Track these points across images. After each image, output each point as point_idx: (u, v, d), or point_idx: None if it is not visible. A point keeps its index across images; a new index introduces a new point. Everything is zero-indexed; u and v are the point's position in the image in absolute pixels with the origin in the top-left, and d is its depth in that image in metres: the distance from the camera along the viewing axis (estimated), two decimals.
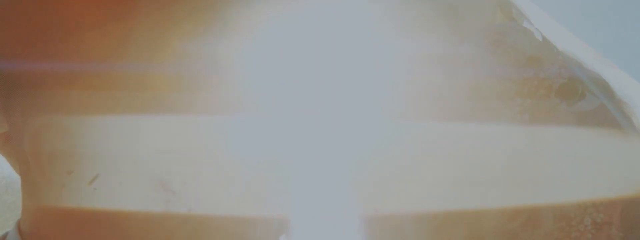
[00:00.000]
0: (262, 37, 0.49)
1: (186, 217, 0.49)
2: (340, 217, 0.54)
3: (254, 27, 0.49)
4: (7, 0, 0.49)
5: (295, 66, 0.50)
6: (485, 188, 0.54)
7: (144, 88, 0.48)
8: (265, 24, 0.49)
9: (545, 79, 0.55)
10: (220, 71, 0.48)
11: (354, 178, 0.54)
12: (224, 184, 0.49)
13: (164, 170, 0.48)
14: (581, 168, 0.55)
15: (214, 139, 0.49)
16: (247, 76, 0.49)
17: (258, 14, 0.49)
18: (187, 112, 0.48)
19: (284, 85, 0.50)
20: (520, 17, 0.58)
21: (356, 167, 0.53)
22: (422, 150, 0.54)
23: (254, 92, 0.49)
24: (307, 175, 0.52)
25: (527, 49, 0.56)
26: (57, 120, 0.49)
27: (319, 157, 0.52)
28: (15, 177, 0.55)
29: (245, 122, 0.49)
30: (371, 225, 0.54)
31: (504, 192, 0.54)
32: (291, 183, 0.51)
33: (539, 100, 0.55)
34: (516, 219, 0.54)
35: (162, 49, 0.48)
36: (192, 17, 0.48)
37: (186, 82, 0.48)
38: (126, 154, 0.48)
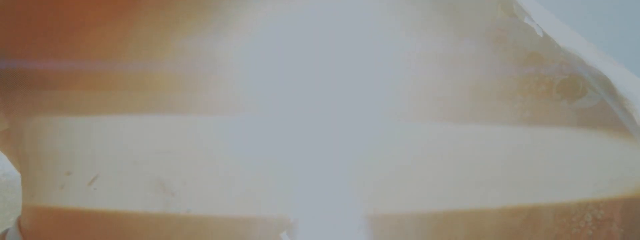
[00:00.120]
0: (263, 36, 0.49)
1: (185, 218, 0.49)
2: (340, 217, 0.54)
3: (255, 25, 0.49)
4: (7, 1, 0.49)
5: (295, 65, 0.50)
6: (486, 186, 0.54)
7: (143, 88, 0.48)
8: (266, 23, 0.49)
9: (546, 75, 0.55)
10: (220, 70, 0.48)
11: (355, 178, 0.54)
12: (223, 185, 0.49)
13: (163, 171, 0.48)
14: (582, 165, 0.55)
15: (214, 139, 0.49)
16: (247, 75, 0.49)
17: (258, 13, 0.49)
18: (187, 112, 0.48)
19: (284, 84, 0.50)
20: (521, 13, 0.58)
21: (357, 166, 0.53)
22: (423, 149, 0.54)
23: (254, 92, 0.49)
24: (307, 175, 0.52)
25: (528, 46, 0.56)
26: (57, 120, 0.49)
27: (319, 157, 0.52)
28: (16, 175, 0.55)
29: (245, 122, 0.49)
30: (372, 225, 0.54)
31: (505, 190, 0.54)
32: (291, 183, 0.51)
33: (540, 97, 0.55)
34: (517, 216, 0.54)
35: (162, 48, 0.48)
36: (192, 15, 0.48)
37: (186, 82, 0.48)
38: (125, 154, 0.48)
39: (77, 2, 0.48)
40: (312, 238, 0.53)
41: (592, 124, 0.55)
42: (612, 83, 0.56)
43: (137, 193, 0.48)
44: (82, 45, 0.48)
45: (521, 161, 0.54)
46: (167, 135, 0.48)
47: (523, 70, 0.56)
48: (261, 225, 0.51)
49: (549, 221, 0.54)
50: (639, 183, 0.55)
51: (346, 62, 0.52)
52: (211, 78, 0.48)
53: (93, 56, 0.48)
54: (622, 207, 0.54)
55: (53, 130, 0.49)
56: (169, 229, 0.49)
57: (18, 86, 0.49)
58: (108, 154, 0.48)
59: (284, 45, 0.49)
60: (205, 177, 0.49)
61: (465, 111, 0.54)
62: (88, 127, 0.48)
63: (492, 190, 0.54)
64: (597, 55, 0.58)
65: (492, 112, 0.55)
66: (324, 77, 0.51)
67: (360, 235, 0.54)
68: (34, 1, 0.48)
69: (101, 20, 0.48)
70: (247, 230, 0.50)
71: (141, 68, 0.48)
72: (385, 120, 0.53)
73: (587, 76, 0.56)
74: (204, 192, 0.49)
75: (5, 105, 0.51)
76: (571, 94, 0.55)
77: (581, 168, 0.55)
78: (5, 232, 0.56)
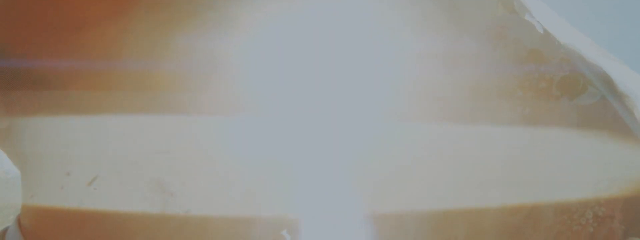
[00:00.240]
0: (263, 35, 0.49)
1: (185, 218, 0.49)
2: (340, 217, 0.54)
3: (255, 25, 0.49)
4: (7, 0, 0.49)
5: (295, 65, 0.50)
6: (486, 185, 0.54)
7: (143, 88, 0.48)
8: (266, 22, 0.49)
9: (546, 72, 0.55)
10: (220, 70, 0.48)
11: (355, 177, 0.54)
12: (223, 185, 0.49)
13: (162, 171, 0.48)
14: (582, 163, 0.54)
15: (213, 139, 0.49)
16: (247, 75, 0.49)
17: (258, 12, 0.49)
18: (187, 112, 0.48)
19: (283, 84, 0.50)
20: (522, 10, 0.58)
21: (356, 166, 0.53)
22: (423, 149, 0.54)
23: (254, 92, 0.49)
24: (307, 175, 0.52)
25: (528, 43, 0.56)
26: (57, 120, 0.49)
27: (319, 157, 0.52)
28: (17, 173, 0.55)
29: (245, 122, 0.49)
30: (372, 224, 0.54)
31: (505, 189, 0.54)
32: (291, 183, 0.51)
33: (540, 94, 0.55)
34: (517, 214, 0.54)
35: (162, 48, 0.48)
36: (192, 15, 0.48)
37: (185, 82, 0.48)
38: (124, 154, 0.48)
39: (78, 1, 0.48)
40: (312, 238, 0.53)
41: (592, 121, 0.55)
42: (612, 80, 0.56)
43: (136, 193, 0.48)
44: (82, 44, 0.48)
45: (521, 160, 0.54)
46: (166, 136, 0.48)
47: (523, 67, 0.55)
48: (261, 226, 0.51)
49: (550, 219, 0.54)
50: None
51: (346, 62, 0.52)
52: (211, 78, 0.48)
53: (93, 55, 0.48)
54: (623, 204, 0.54)
55: (53, 130, 0.49)
56: (168, 229, 0.49)
57: (18, 85, 0.49)
58: (107, 154, 0.48)
59: (284, 44, 0.49)
60: (205, 178, 0.49)
61: (465, 110, 0.54)
62: (87, 127, 0.48)
63: (492, 190, 0.54)
64: (598, 52, 0.58)
65: (492, 110, 0.55)
66: (323, 76, 0.51)
67: (360, 235, 0.54)
68: (35, 0, 0.48)
69: (101, 19, 0.48)
70: (247, 231, 0.50)
71: (141, 68, 0.48)
72: (385, 120, 0.53)
73: (587, 73, 0.56)
74: (203, 192, 0.49)
75: (6, 105, 0.51)
76: (571, 91, 0.55)
77: (581, 166, 0.55)
78: (6, 230, 0.56)
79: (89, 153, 0.48)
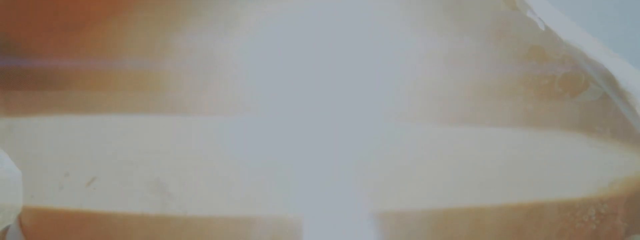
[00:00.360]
0: (264, 35, 0.49)
1: (185, 219, 0.49)
2: (341, 217, 0.54)
3: (256, 24, 0.49)
4: (7, 0, 0.49)
5: (295, 65, 0.50)
6: (488, 184, 0.54)
7: (143, 87, 0.48)
8: (267, 22, 0.49)
9: (548, 69, 0.55)
10: (220, 70, 0.48)
11: (355, 178, 0.54)
12: (222, 185, 0.49)
13: (160, 172, 0.48)
14: (584, 161, 0.54)
15: (213, 140, 0.49)
16: (247, 75, 0.49)
17: (260, 12, 0.49)
18: (186, 112, 0.48)
19: (284, 84, 0.49)
20: (524, 6, 0.58)
21: (357, 166, 0.53)
22: (424, 149, 0.54)
23: (255, 92, 0.49)
24: (307, 175, 0.52)
25: (530, 39, 0.56)
26: (57, 120, 0.49)
27: (319, 157, 0.52)
28: (18, 173, 0.55)
29: (245, 122, 0.49)
30: (372, 224, 0.54)
31: (507, 188, 0.54)
32: (291, 184, 0.51)
33: (542, 91, 0.55)
34: (520, 211, 0.54)
35: (162, 47, 0.48)
36: (193, 14, 0.48)
37: (185, 82, 0.48)
38: (123, 154, 0.48)
39: (78, 1, 0.48)
40: (313, 238, 0.53)
41: (594, 118, 0.55)
42: (614, 77, 0.56)
43: (134, 194, 0.48)
44: (82, 44, 0.47)
45: (523, 158, 0.54)
46: (166, 136, 0.48)
47: (525, 64, 0.55)
48: (261, 226, 0.51)
49: (553, 216, 0.54)
50: None
51: (347, 62, 0.52)
52: (211, 78, 0.48)
53: (93, 55, 0.48)
54: (626, 201, 0.54)
55: (53, 130, 0.49)
56: (168, 229, 0.49)
57: (18, 85, 0.49)
58: (106, 154, 0.48)
59: (284, 44, 0.49)
60: (205, 178, 0.49)
61: (467, 109, 0.54)
62: (87, 127, 0.48)
63: (494, 188, 0.54)
64: (600, 49, 0.58)
65: (494, 108, 0.55)
66: (323, 76, 0.51)
67: (361, 235, 0.54)
68: (35, 0, 0.48)
69: (102, 19, 0.47)
70: (247, 231, 0.50)
71: (141, 67, 0.48)
72: (385, 119, 0.53)
73: (589, 70, 0.56)
74: (203, 192, 0.49)
75: (6, 104, 0.51)
76: (573, 87, 0.55)
77: (584, 163, 0.55)
78: (7, 229, 0.56)
79: (88, 153, 0.48)
